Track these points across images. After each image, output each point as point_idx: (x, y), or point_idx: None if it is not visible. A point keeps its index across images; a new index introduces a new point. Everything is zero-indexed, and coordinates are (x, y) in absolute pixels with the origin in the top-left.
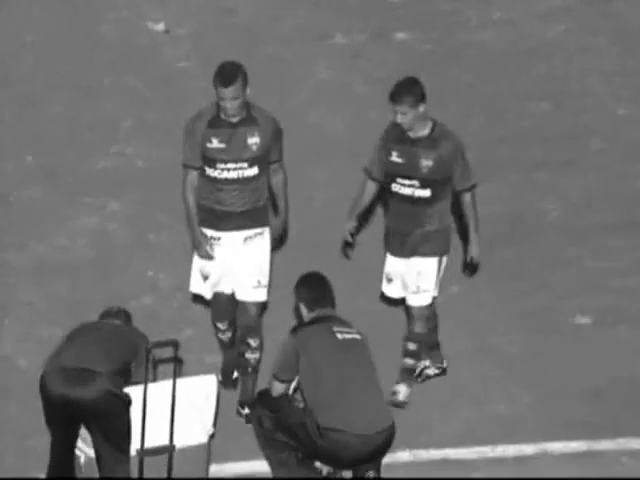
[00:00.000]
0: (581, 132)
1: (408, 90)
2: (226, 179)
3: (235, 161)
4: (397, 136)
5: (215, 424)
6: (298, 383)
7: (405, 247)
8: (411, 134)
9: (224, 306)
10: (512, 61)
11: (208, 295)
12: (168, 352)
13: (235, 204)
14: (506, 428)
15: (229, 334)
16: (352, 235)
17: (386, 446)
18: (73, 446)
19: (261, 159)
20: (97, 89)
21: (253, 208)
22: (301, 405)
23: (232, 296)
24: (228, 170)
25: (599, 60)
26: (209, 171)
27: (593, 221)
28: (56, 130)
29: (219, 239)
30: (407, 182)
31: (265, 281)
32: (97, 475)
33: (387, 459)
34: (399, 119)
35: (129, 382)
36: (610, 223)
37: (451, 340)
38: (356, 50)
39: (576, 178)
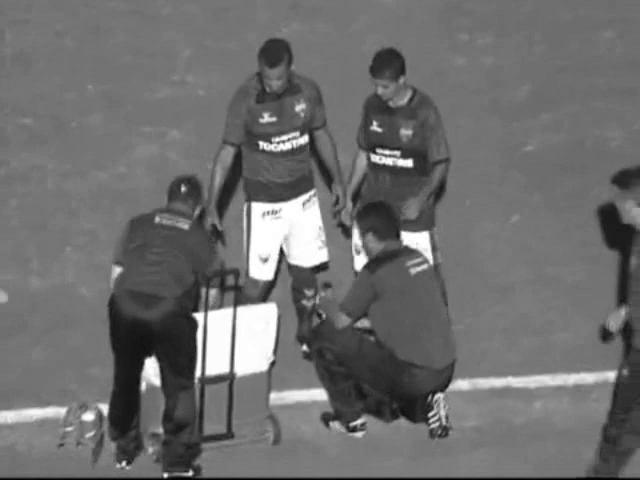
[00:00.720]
0: None
1: (388, 64)
2: (282, 151)
3: (288, 132)
4: (378, 105)
5: (275, 352)
6: (370, 319)
7: None
8: (391, 103)
9: (256, 297)
10: None
11: (270, 277)
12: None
13: (291, 174)
14: (567, 357)
15: None
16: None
17: (450, 378)
18: (139, 374)
19: (308, 125)
20: (157, 17)
21: (303, 174)
22: (372, 338)
23: (268, 283)
24: (284, 142)
25: None
26: (263, 145)
27: None
28: (117, 58)
29: (280, 211)
30: (387, 152)
31: (325, 239)
32: (160, 401)
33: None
34: (380, 91)
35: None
36: None
37: (512, 269)
38: None
39: (638, 107)
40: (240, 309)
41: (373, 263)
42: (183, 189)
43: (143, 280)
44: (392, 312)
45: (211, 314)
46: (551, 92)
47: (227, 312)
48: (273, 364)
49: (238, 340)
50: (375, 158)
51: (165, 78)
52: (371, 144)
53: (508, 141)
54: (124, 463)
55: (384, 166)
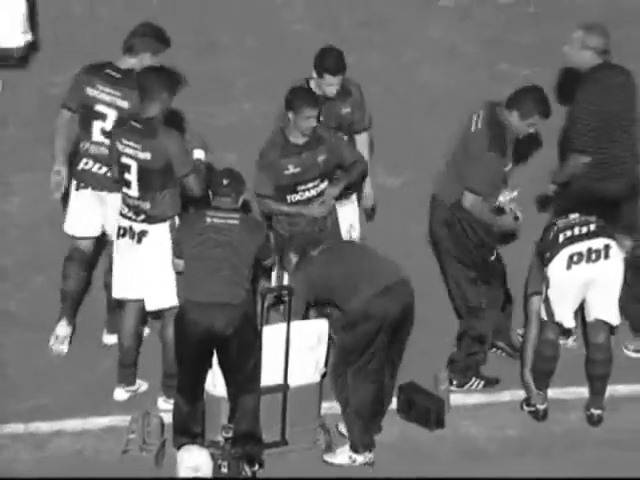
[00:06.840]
0: None
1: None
2: None
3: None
4: (281, 150)
5: (326, 364)
6: None
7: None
8: (292, 140)
9: None
10: None
11: None
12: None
13: None
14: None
15: None
16: None
17: None
18: (204, 383)
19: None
20: (217, 46)
21: None
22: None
23: None
24: None
25: None
26: None
27: None
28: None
29: None
30: (310, 185)
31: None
32: (219, 410)
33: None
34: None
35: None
36: None
37: None
38: (464, 12)
39: None
40: (293, 324)
41: None
42: (225, 182)
43: (209, 291)
44: None
45: (266, 329)
46: None
47: (281, 326)
48: (324, 375)
49: (292, 353)
50: (296, 197)
51: (224, 105)
52: (290, 187)
53: None
54: None
55: (309, 199)
